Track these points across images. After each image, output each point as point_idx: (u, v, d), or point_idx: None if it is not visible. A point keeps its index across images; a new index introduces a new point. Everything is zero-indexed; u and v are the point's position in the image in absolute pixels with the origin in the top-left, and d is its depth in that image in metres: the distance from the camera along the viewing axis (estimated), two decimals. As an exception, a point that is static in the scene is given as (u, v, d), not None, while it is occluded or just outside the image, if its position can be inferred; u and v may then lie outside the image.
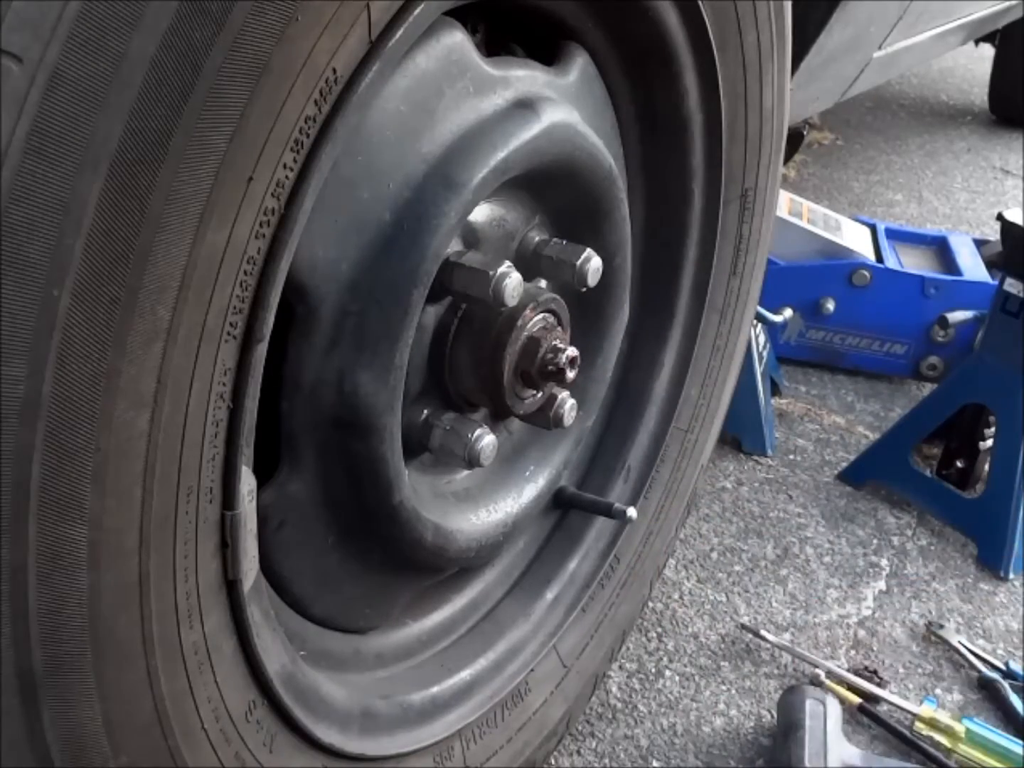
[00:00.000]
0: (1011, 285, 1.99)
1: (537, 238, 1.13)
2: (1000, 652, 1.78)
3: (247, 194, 0.71)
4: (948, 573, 1.97)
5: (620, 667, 1.68)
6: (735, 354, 1.54)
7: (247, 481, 0.83)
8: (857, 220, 2.77)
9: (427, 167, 0.94)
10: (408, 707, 1.15)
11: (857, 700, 1.61)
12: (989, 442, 2.11)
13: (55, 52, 0.58)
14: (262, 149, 0.71)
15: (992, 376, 2.01)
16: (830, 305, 2.52)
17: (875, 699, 1.62)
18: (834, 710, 1.50)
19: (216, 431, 0.77)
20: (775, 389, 2.46)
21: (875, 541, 2.04)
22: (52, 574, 0.68)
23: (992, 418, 2.08)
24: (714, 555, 1.97)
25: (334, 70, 0.75)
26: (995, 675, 1.69)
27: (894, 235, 2.73)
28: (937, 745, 1.55)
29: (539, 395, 1.11)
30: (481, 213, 1.05)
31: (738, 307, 1.49)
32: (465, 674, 1.23)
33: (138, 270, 0.65)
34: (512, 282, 0.98)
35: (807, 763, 1.41)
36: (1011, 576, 1.96)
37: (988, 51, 4.70)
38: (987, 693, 1.68)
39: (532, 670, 1.31)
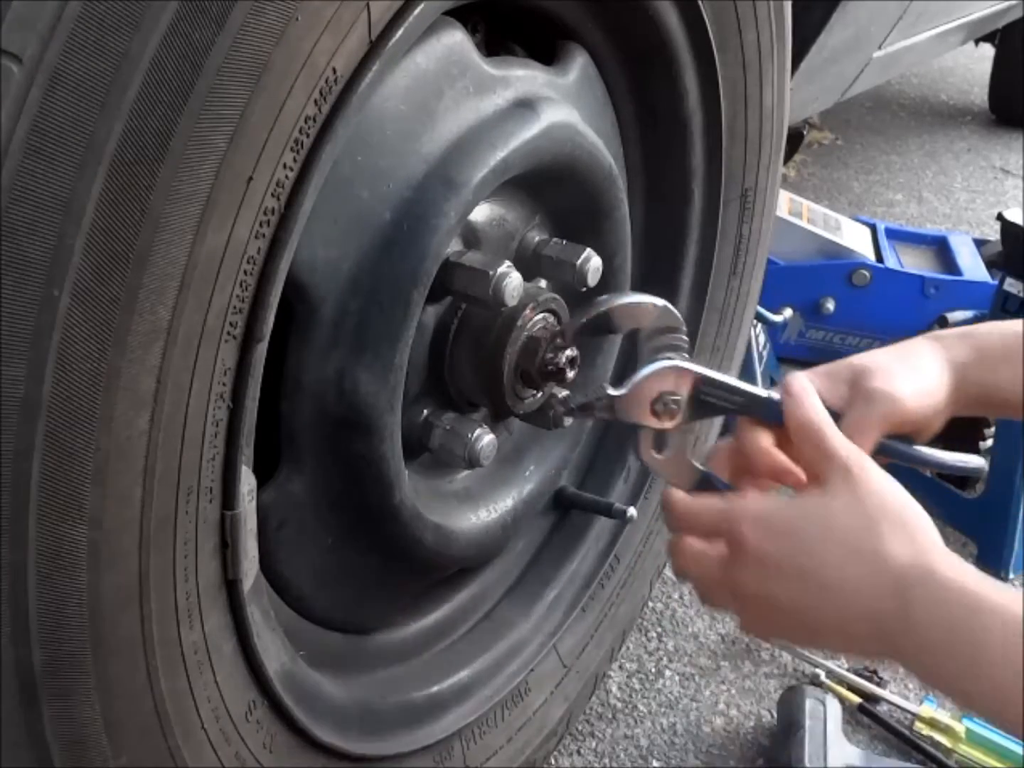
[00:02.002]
0: (1011, 285, 1.99)
1: (537, 238, 1.12)
2: (1000, 652, 1.78)
3: (247, 194, 0.71)
4: (948, 573, 1.97)
5: (620, 667, 1.68)
6: (735, 354, 1.54)
7: (247, 481, 0.83)
8: (857, 220, 2.76)
9: (427, 167, 0.94)
10: (408, 707, 1.15)
11: (857, 700, 1.61)
12: (989, 442, 2.11)
13: (55, 52, 0.58)
14: (262, 149, 0.71)
15: (992, 376, 2.00)
16: (830, 305, 2.52)
17: (875, 699, 1.62)
18: (834, 710, 1.50)
19: (216, 431, 0.77)
20: (775, 389, 2.46)
21: (875, 541, 2.04)
22: (52, 574, 0.68)
23: (992, 418, 2.08)
24: (714, 555, 1.97)
25: (334, 70, 0.75)
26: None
27: (894, 235, 2.72)
28: (937, 745, 1.54)
29: (539, 395, 1.11)
30: (481, 213, 1.05)
31: (738, 307, 1.49)
32: (465, 674, 1.23)
33: (138, 270, 0.65)
34: (512, 282, 0.98)
35: (807, 763, 1.41)
36: (1011, 576, 1.96)
37: (988, 51, 4.69)
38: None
39: (532, 670, 1.31)
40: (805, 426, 0.92)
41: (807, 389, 0.94)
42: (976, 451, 2.14)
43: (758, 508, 0.89)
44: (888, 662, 1.72)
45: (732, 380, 1.00)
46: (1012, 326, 1.04)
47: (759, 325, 2.30)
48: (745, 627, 0.94)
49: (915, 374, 1.00)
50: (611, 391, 0.97)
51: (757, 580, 0.87)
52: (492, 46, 1.10)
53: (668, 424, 0.99)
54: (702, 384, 0.99)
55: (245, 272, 0.74)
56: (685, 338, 1.00)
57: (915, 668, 0.81)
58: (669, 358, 0.98)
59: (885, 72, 2.95)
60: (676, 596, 1.85)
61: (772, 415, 0.96)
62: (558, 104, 1.06)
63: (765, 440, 0.95)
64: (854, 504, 0.84)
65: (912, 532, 0.83)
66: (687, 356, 1.00)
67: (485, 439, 1.04)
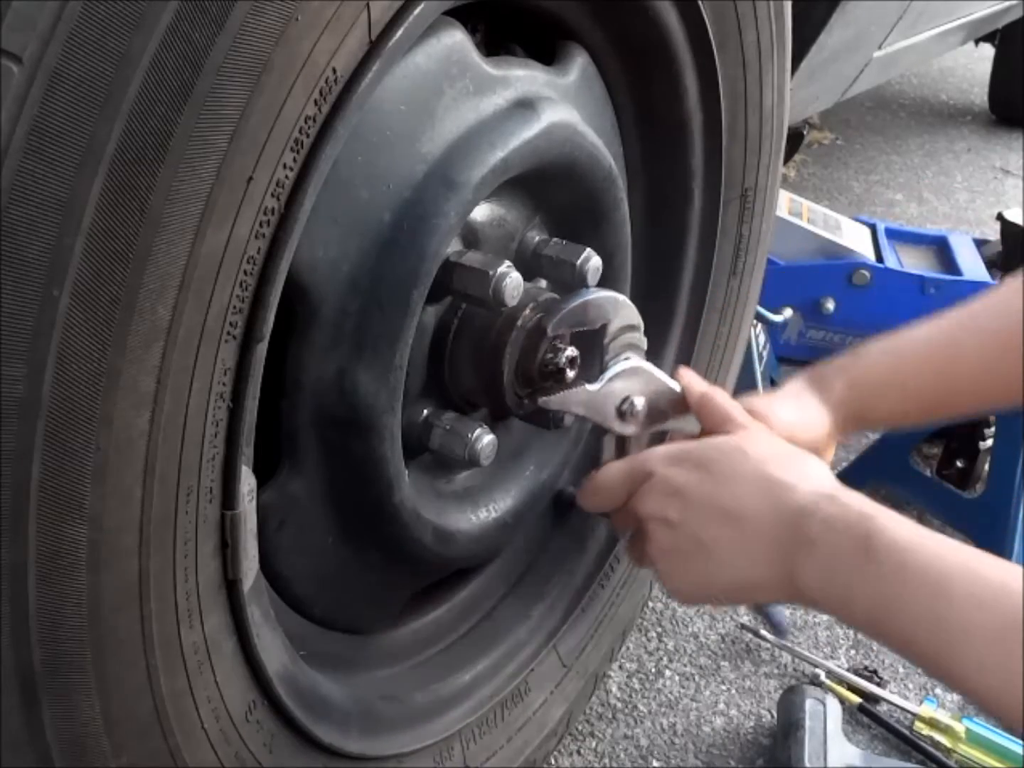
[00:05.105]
0: (1011, 285, 1.99)
1: (537, 238, 1.12)
2: (1000, 652, 1.78)
3: (247, 194, 0.71)
4: (948, 573, 1.97)
5: (620, 667, 1.68)
6: (735, 354, 1.54)
7: (247, 481, 0.83)
8: (857, 220, 2.76)
9: (427, 167, 0.94)
10: (408, 707, 1.15)
11: (857, 700, 1.61)
12: (989, 442, 2.11)
13: (55, 52, 0.58)
14: (262, 149, 0.71)
15: (992, 376, 2.00)
16: (830, 305, 2.52)
17: (875, 699, 1.62)
18: (834, 710, 1.50)
19: (216, 431, 0.77)
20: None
21: (875, 541, 2.04)
22: (52, 574, 0.68)
23: (992, 418, 2.08)
24: (714, 555, 1.97)
25: (334, 70, 0.75)
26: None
27: (894, 235, 2.72)
28: (937, 745, 1.54)
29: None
30: (481, 213, 1.05)
31: (738, 307, 1.49)
32: (465, 674, 1.23)
33: (138, 270, 0.65)
34: (512, 282, 0.98)
35: (807, 763, 1.41)
36: (1011, 576, 1.96)
37: (988, 51, 4.69)
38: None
39: (532, 670, 1.31)
40: (707, 397, 1.00)
41: (693, 374, 1.04)
42: (976, 451, 2.14)
43: (667, 449, 0.96)
44: (888, 661, 1.72)
45: (669, 380, 1.04)
46: (881, 353, 1.11)
47: (759, 325, 2.30)
48: (654, 567, 0.98)
49: (799, 411, 1.09)
50: (588, 386, 1.00)
51: (663, 507, 0.92)
52: (492, 46, 1.10)
53: (630, 429, 1.03)
54: (658, 388, 1.03)
55: (245, 272, 0.74)
56: (644, 338, 1.06)
57: (810, 582, 0.85)
58: (628, 358, 1.04)
59: (885, 72, 2.95)
60: (676, 596, 1.85)
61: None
62: (558, 104, 1.06)
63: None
64: (760, 445, 0.92)
65: (813, 471, 0.90)
66: (644, 356, 1.06)
67: (485, 439, 1.04)
